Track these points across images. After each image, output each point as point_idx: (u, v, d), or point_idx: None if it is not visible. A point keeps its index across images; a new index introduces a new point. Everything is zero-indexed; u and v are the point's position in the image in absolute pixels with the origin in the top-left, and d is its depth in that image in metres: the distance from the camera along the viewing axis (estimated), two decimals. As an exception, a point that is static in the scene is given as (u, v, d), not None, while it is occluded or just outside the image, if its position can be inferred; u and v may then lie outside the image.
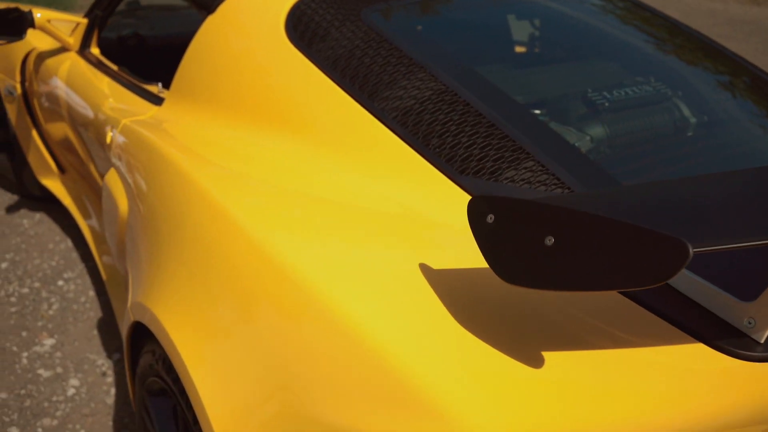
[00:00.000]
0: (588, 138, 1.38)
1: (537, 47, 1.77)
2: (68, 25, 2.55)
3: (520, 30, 1.79)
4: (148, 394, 1.44)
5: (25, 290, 2.63)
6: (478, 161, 1.23)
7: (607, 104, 1.46)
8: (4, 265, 2.79)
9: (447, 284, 1.00)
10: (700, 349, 0.92)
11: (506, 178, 1.19)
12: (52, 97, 2.56)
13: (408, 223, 1.16)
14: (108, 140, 1.88)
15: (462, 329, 0.91)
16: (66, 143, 2.63)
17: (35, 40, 2.73)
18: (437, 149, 1.27)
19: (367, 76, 1.43)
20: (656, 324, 0.95)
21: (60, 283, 2.68)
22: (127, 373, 1.58)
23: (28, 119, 2.86)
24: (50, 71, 2.56)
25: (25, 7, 2.46)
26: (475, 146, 1.25)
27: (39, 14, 2.43)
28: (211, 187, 1.29)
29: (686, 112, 1.54)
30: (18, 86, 2.81)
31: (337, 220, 1.18)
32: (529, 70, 1.59)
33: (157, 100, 1.92)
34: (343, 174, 1.32)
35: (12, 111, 2.90)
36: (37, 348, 2.33)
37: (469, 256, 1.05)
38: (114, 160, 1.78)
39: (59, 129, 2.65)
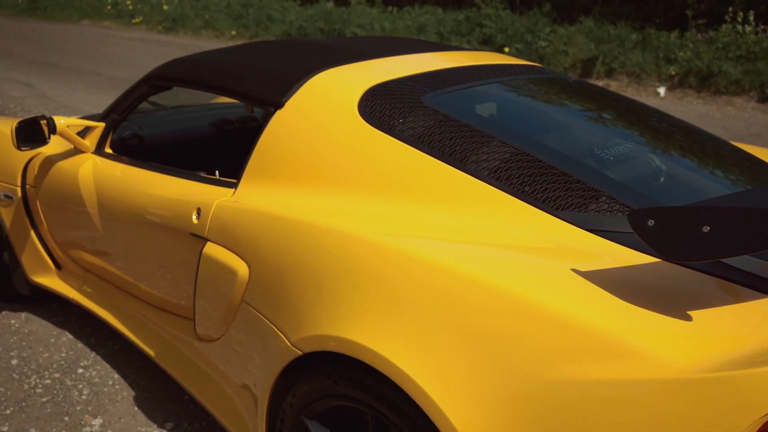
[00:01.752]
0: (619, 175, 1.89)
1: (553, 119, 2.30)
2: (73, 128, 2.78)
3: (535, 106, 2.34)
4: (308, 418, 1.74)
5: (47, 381, 2.74)
6: (566, 199, 1.70)
7: (619, 153, 2.00)
8: (14, 362, 2.87)
9: (618, 277, 1.45)
10: None
11: (592, 209, 1.67)
12: (67, 198, 2.76)
13: (565, 250, 1.59)
14: (194, 221, 2.16)
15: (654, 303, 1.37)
16: (79, 239, 2.82)
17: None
18: (531, 194, 1.73)
19: (452, 147, 1.88)
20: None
21: (80, 371, 2.81)
22: (265, 410, 1.86)
23: (26, 221, 3.00)
24: (64, 173, 2.77)
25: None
26: (559, 189, 1.73)
27: (62, 120, 2.67)
28: (380, 238, 1.67)
29: (656, 158, 2.11)
30: (18, 190, 2.96)
31: (514, 257, 1.59)
32: (557, 134, 2.11)
33: (225, 184, 2.24)
34: (464, 223, 1.74)
35: (7, 215, 3.03)
36: (87, 429, 2.47)
37: (617, 261, 1.51)
38: (213, 235, 2.08)
39: (71, 227, 2.84)
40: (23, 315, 3.25)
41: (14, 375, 2.78)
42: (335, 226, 1.78)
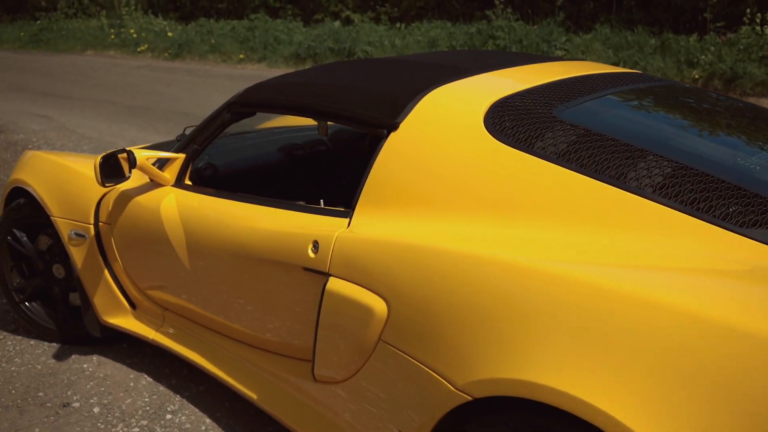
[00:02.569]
0: None
1: (691, 129, 2.16)
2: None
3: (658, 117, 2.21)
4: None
5: (136, 429, 2.58)
6: (749, 215, 1.56)
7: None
8: (96, 409, 2.71)
9: None
10: None
11: (779, 225, 1.54)
12: (147, 234, 2.62)
13: (763, 272, 1.45)
14: (311, 255, 2.02)
15: None
16: (160, 277, 2.67)
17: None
18: (708, 211, 1.59)
19: (605, 163, 1.74)
20: None
21: (168, 416, 2.65)
22: None
23: (99, 260, 2.86)
24: (143, 208, 2.63)
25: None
26: (737, 204, 1.59)
27: (143, 153, 2.54)
28: (553, 267, 1.53)
29: None
30: (91, 228, 2.82)
31: (712, 281, 1.45)
32: (703, 144, 1.98)
33: (336, 214, 2.10)
34: (637, 246, 1.59)
35: (79, 254, 2.88)
36: (189, 480, 2.32)
37: None
38: (338, 270, 1.93)
39: (150, 264, 2.69)
40: (95, 358, 3.10)
41: (99, 424, 2.62)
42: (494, 255, 1.63)
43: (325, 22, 14.08)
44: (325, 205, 2.21)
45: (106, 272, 2.87)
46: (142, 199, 2.67)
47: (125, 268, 2.82)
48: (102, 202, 2.81)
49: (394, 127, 2.06)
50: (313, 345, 2.06)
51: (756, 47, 8.86)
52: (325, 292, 1.95)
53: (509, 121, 1.93)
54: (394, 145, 2.04)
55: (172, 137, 3.65)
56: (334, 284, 1.94)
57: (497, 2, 11.58)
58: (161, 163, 2.66)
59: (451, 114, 2.01)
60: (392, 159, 2.02)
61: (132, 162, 2.51)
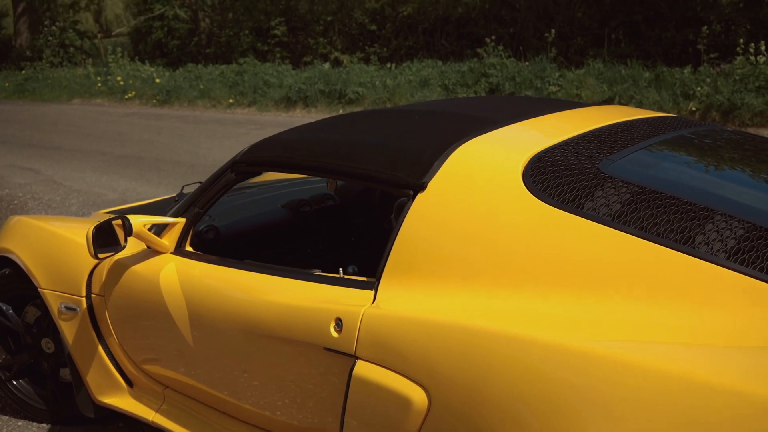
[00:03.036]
0: None
1: (747, 181, 1.97)
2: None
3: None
4: None
5: None
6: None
7: None
8: (91, 503, 2.45)
9: None
10: None
11: None
12: (145, 306, 2.39)
13: None
14: (333, 334, 1.80)
15: None
16: (160, 353, 2.44)
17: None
18: None
19: (667, 226, 1.54)
20: None
21: None
22: None
23: (92, 335, 2.62)
24: (141, 278, 2.41)
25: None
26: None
27: (139, 219, 2.32)
28: (626, 353, 1.32)
29: None
30: (83, 301, 2.59)
31: None
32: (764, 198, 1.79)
33: (358, 285, 1.88)
34: (717, 323, 1.39)
35: (69, 329, 2.64)
36: None
37: None
38: (366, 353, 1.71)
39: (149, 339, 2.46)
40: (88, 440, 2.84)
41: None
42: (554, 338, 1.42)
43: (314, 64, 14.00)
44: (344, 275, 2.00)
45: (100, 348, 2.63)
46: (138, 268, 2.45)
47: (121, 343, 2.59)
48: (94, 273, 2.58)
49: (421, 187, 1.86)
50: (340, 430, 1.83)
51: (752, 77, 8.79)
52: (353, 377, 1.73)
53: (551, 178, 1.73)
54: (422, 208, 1.84)
55: (163, 187, 3.45)
56: (363, 368, 1.71)
57: (488, 40, 11.53)
58: (159, 229, 2.44)
59: (485, 171, 1.81)
60: (421, 223, 1.82)
61: (128, 230, 2.29)
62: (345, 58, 14.58)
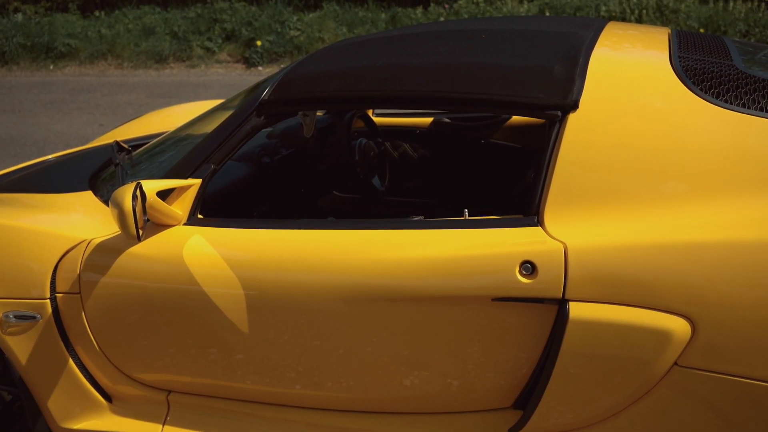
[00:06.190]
0: None
1: None
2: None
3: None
4: None
5: None
6: None
7: None
8: None
9: None
10: None
11: None
12: (148, 296, 1.89)
13: None
14: (522, 280, 1.57)
15: None
16: (167, 351, 1.95)
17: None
18: None
19: None
20: None
21: None
22: None
23: (59, 345, 1.99)
24: (144, 260, 1.88)
25: None
26: None
27: (150, 186, 1.79)
28: None
29: None
30: (47, 304, 1.95)
31: None
32: None
33: (512, 223, 1.66)
34: None
35: (21, 345, 1.98)
36: None
37: None
38: (583, 293, 1.52)
39: (153, 337, 1.95)
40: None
41: None
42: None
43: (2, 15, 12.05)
44: (470, 216, 1.74)
45: (71, 361, 2.02)
46: (137, 249, 1.90)
47: (102, 350, 2.01)
48: (59, 268, 1.95)
49: (573, 106, 1.69)
50: (529, 390, 1.63)
51: (477, 16, 9.51)
52: (570, 322, 1.53)
53: (708, 80, 1.70)
54: (579, 129, 1.67)
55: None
56: (583, 310, 1.53)
57: (212, -16, 10.90)
58: (163, 196, 1.91)
59: (638, 79, 1.71)
60: (583, 146, 1.65)
61: (144, 199, 1.77)
62: (28, 9, 12.71)
